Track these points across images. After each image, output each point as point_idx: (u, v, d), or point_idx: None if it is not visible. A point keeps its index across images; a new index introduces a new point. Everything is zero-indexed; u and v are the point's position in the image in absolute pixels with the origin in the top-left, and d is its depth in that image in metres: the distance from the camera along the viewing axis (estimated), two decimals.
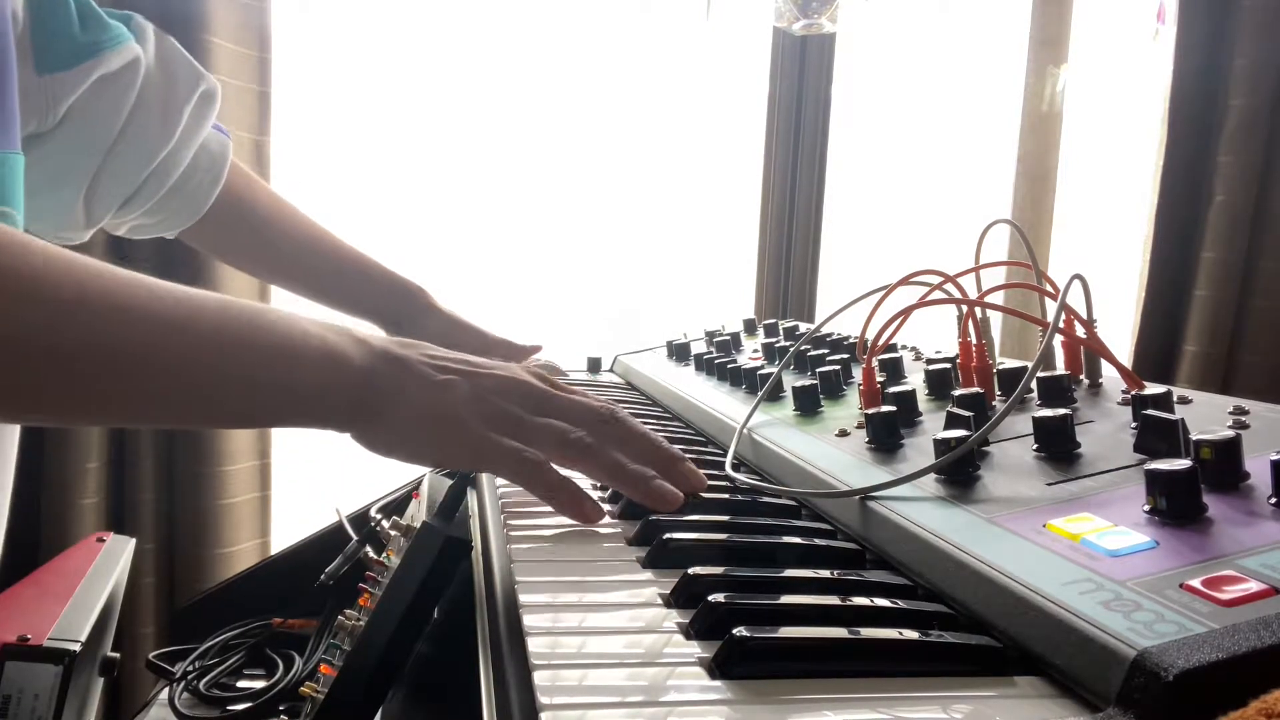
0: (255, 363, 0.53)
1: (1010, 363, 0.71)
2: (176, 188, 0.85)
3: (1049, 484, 0.51)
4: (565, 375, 1.16)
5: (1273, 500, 0.43)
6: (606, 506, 0.63)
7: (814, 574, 0.48)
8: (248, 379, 0.53)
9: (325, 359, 0.55)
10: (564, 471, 0.59)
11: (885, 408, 0.65)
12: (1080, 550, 0.42)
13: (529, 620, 0.43)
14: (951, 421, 0.60)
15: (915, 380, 0.78)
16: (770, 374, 0.85)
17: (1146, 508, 0.44)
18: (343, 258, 0.99)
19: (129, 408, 0.52)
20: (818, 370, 0.82)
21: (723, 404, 0.87)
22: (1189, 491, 0.43)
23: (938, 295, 0.76)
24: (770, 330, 1.12)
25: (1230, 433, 0.47)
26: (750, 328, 1.19)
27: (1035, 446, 0.56)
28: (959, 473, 0.54)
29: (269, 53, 1.43)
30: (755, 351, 1.04)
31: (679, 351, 1.15)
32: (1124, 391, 0.62)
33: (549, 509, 0.61)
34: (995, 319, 0.77)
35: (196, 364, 0.51)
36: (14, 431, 0.75)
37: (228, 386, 0.53)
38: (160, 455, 1.43)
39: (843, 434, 0.69)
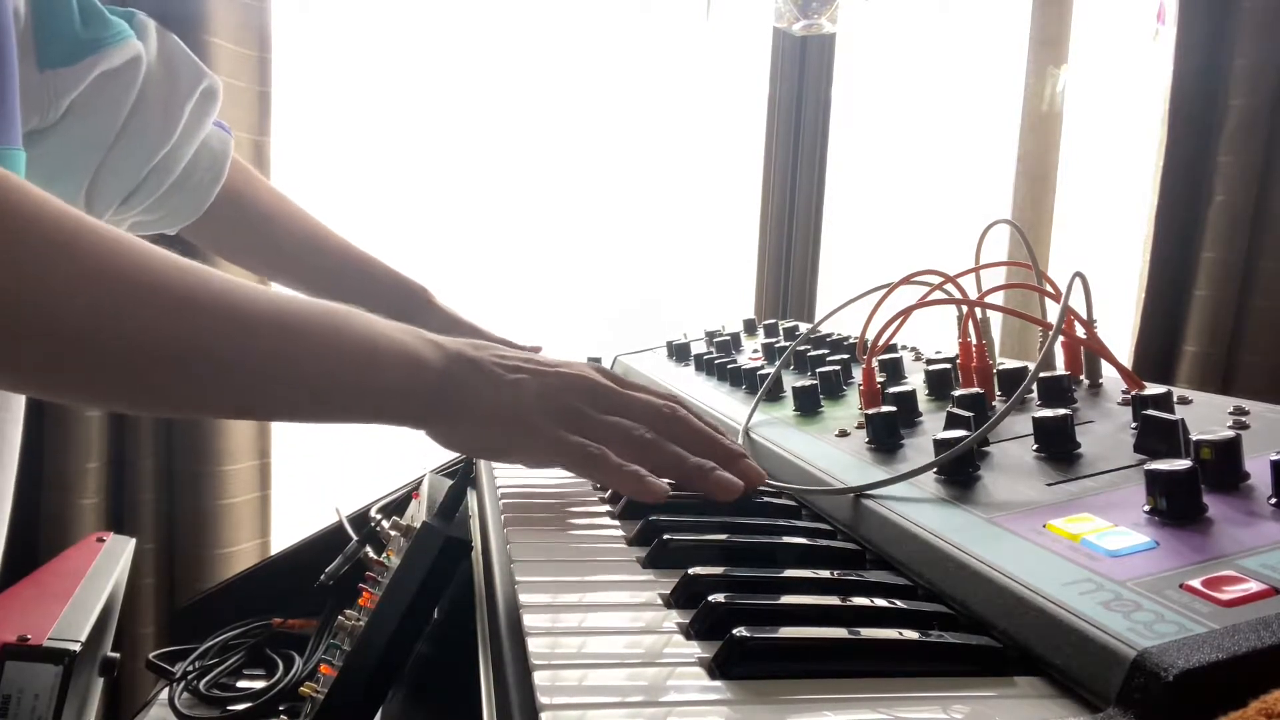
0: (341, 364, 0.55)
1: (1010, 363, 0.71)
2: (178, 184, 0.85)
3: (1049, 484, 0.51)
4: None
5: (1273, 500, 0.43)
6: (607, 507, 0.63)
7: (814, 574, 0.48)
8: (333, 379, 0.55)
9: (405, 360, 0.57)
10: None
11: (885, 408, 0.65)
12: (1080, 550, 0.42)
13: (529, 620, 0.43)
14: (952, 422, 0.60)
15: (915, 380, 0.78)
16: (770, 374, 0.85)
17: (1147, 508, 0.44)
18: (345, 255, 1.00)
19: (224, 403, 0.57)
20: (818, 370, 0.82)
21: (723, 404, 0.87)
22: (1189, 492, 0.43)
23: (938, 295, 0.76)
24: (770, 330, 1.12)
25: (1230, 433, 0.47)
26: (750, 328, 1.19)
27: (1035, 447, 0.56)
28: (959, 473, 0.54)
29: (269, 53, 1.43)
30: (755, 351, 1.04)
31: (679, 351, 1.15)
32: (1124, 392, 0.62)
33: (549, 509, 0.61)
34: (995, 319, 0.77)
35: (288, 364, 0.53)
36: (16, 433, 0.75)
37: (314, 385, 0.55)
38: (160, 455, 1.43)
39: (843, 434, 0.69)
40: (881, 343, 0.74)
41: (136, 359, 0.49)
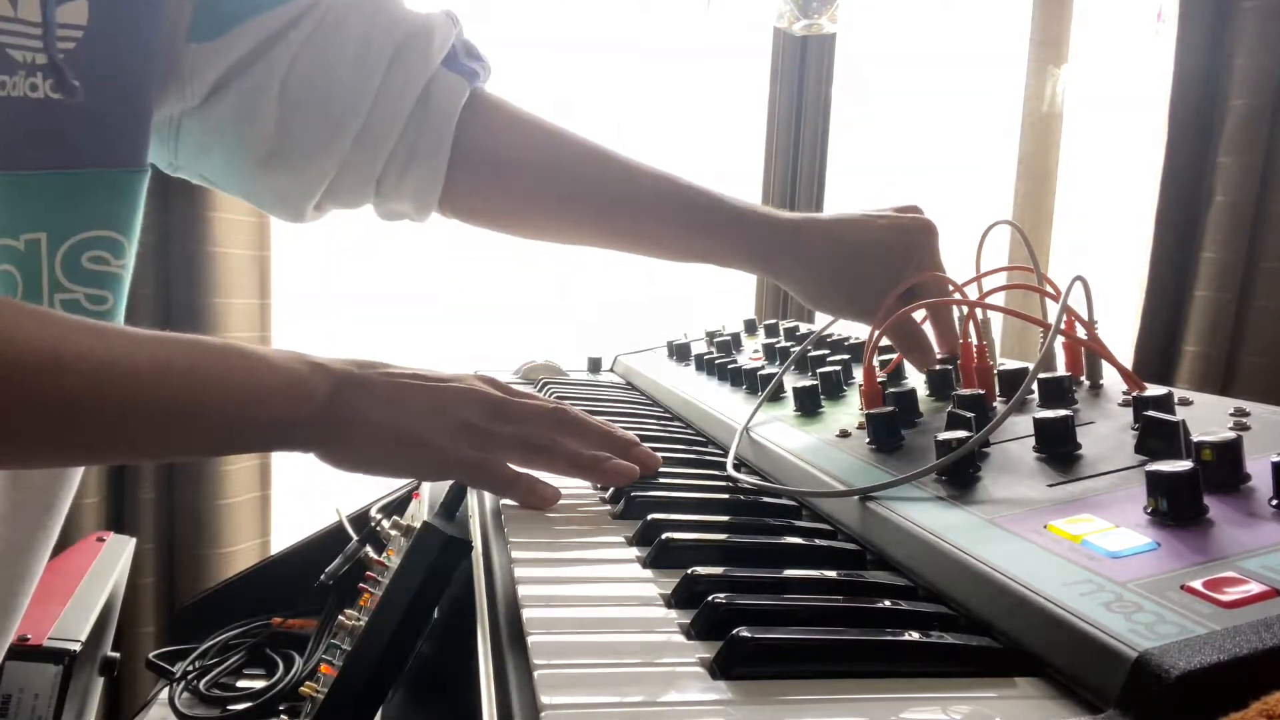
0: (225, 400, 0.55)
1: (1011, 364, 0.71)
2: (408, 158, 0.74)
3: (1050, 485, 0.51)
4: (566, 375, 1.16)
5: (1274, 502, 0.43)
6: (606, 507, 0.63)
7: (815, 574, 0.48)
8: (219, 416, 0.55)
9: (290, 390, 0.57)
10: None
11: (886, 408, 0.65)
12: (1081, 551, 0.42)
13: (529, 620, 0.43)
14: (952, 422, 0.60)
15: (916, 381, 0.77)
16: (771, 374, 0.85)
17: (1147, 509, 0.44)
18: (634, 172, 0.82)
19: (104, 452, 0.58)
20: (818, 370, 0.82)
21: (723, 404, 0.87)
22: (1190, 493, 0.43)
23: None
24: (771, 330, 1.12)
25: (1231, 434, 0.47)
26: (750, 328, 1.18)
27: (1036, 447, 0.56)
28: (960, 473, 0.54)
29: None
30: (755, 352, 1.04)
31: (679, 351, 1.15)
32: (1125, 393, 0.62)
33: (549, 510, 0.61)
34: (996, 320, 0.77)
35: (172, 408, 0.53)
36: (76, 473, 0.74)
37: (200, 424, 0.55)
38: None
39: (844, 434, 0.69)
40: (886, 343, 0.74)
41: (14, 424, 0.48)
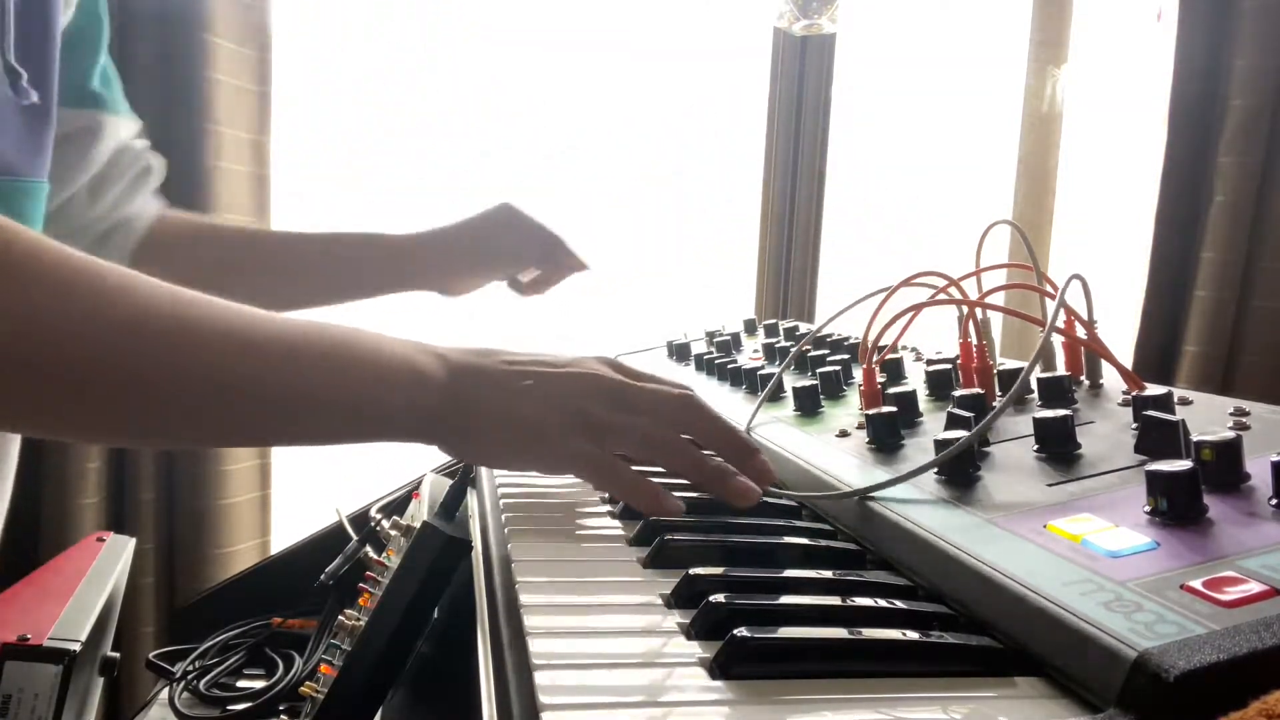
0: (347, 387, 0.55)
1: (1011, 363, 0.71)
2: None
3: (1049, 485, 0.51)
4: None
5: (1273, 501, 0.43)
6: (606, 507, 0.63)
7: (814, 574, 0.48)
8: (340, 403, 0.55)
9: (411, 378, 0.56)
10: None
11: (886, 408, 0.65)
12: (1081, 551, 0.42)
13: (529, 620, 0.43)
14: (952, 422, 0.60)
15: (916, 381, 0.78)
16: (771, 374, 0.85)
17: (1147, 509, 0.44)
18: (317, 241, 0.98)
19: (227, 433, 0.58)
20: (818, 370, 0.82)
21: (723, 404, 0.87)
22: (1190, 492, 0.43)
23: (939, 297, 0.76)
24: (770, 330, 1.12)
25: (1231, 434, 0.47)
26: (750, 328, 1.19)
27: (1036, 447, 0.56)
28: (959, 473, 0.54)
29: (269, 53, 1.43)
30: (755, 352, 1.04)
31: (679, 351, 1.15)
32: (1124, 392, 0.62)
33: (550, 509, 0.61)
34: (996, 320, 0.77)
35: (296, 391, 0.53)
36: (13, 447, 0.75)
37: (324, 410, 0.55)
38: (160, 455, 1.43)
39: (843, 434, 0.69)
40: (885, 344, 0.74)
41: (137, 396, 0.49)
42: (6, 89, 0.59)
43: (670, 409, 0.61)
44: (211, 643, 0.96)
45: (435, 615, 0.58)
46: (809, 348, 0.93)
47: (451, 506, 0.59)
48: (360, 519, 0.97)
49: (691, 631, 0.42)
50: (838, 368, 0.82)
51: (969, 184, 1.86)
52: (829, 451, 0.66)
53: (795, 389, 0.79)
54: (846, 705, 0.36)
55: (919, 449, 0.62)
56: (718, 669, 0.38)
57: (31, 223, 0.65)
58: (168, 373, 0.49)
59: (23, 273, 0.46)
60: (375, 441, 0.58)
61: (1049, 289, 0.76)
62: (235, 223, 0.97)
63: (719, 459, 0.61)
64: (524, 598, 0.46)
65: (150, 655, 0.95)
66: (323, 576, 0.90)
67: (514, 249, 1.00)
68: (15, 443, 0.76)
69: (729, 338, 1.10)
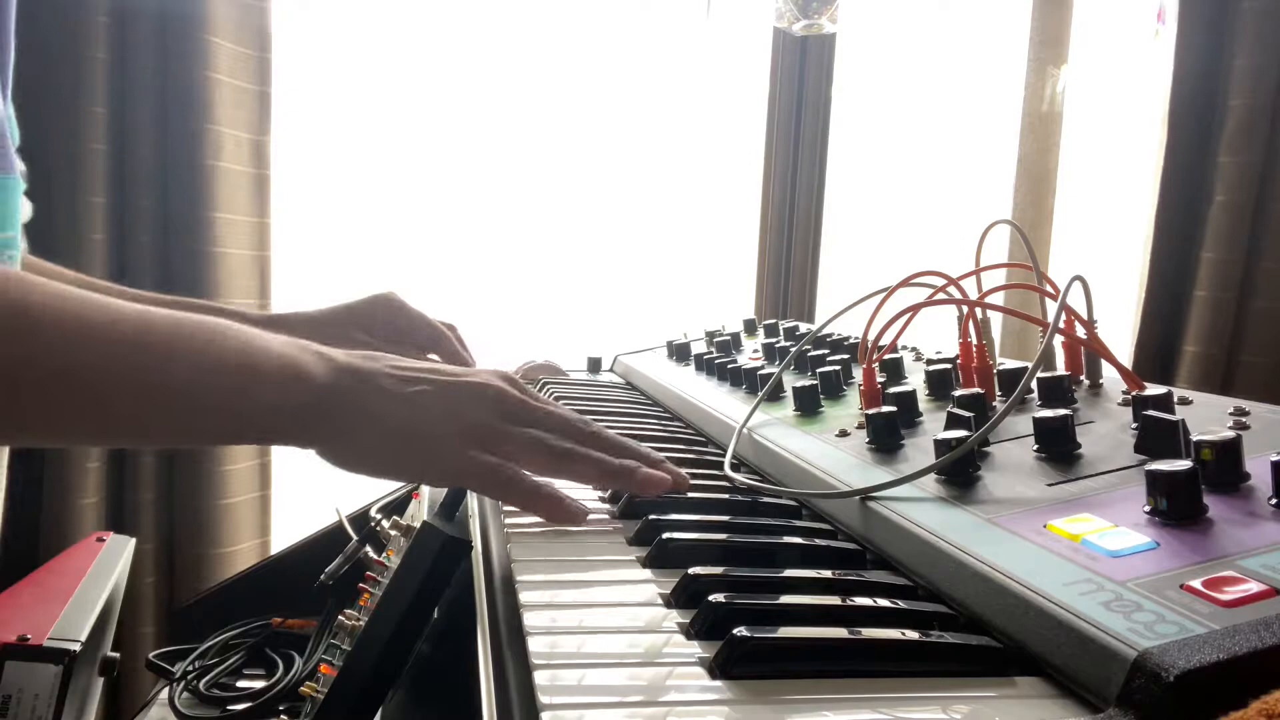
0: (212, 382, 0.51)
1: (1011, 363, 0.71)
2: None
3: (1049, 484, 0.51)
4: (566, 375, 1.16)
5: (1273, 501, 0.43)
6: (606, 506, 0.63)
7: (814, 574, 0.48)
8: (205, 399, 0.52)
9: (285, 375, 0.53)
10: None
11: (886, 408, 0.65)
12: (1081, 551, 0.42)
13: (529, 620, 0.43)
14: (952, 422, 0.60)
15: (916, 381, 0.77)
16: (770, 374, 0.85)
17: (1147, 508, 0.44)
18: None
19: (86, 430, 0.53)
20: (818, 370, 0.82)
21: (723, 404, 0.87)
22: (1189, 492, 0.43)
23: (939, 297, 0.76)
24: (770, 330, 1.12)
25: (1231, 433, 0.47)
26: (750, 328, 1.19)
27: (1036, 447, 0.56)
28: (960, 473, 0.54)
29: (269, 53, 1.43)
30: (755, 352, 1.04)
31: (679, 351, 1.15)
32: (1124, 392, 0.62)
33: None
34: (996, 320, 0.77)
35: (154, 384, 0.50)
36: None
37: (185, 406, 0.52)
38: (160, 455, 1.43)
39: (843, 434, 0.69)
40: (885, 344, 0.74)
41: None
42: None
43: (566, 424, 0.60)
44: (211, 643, 0.96)
45: (435, 615, 0.58)
46: (809, 348, 0.93)
47: (451, 506, 0.59)
48: (360, 519, 0.97)
49: (691, 631, 0.42)
50: (837, 368, 0.82)
51: (969, 184, 1.86)
52: (829, 451, 0.66)
53: (795, 389, 0.79)
54: (846, 705, 0.36)
55: (919, 449, 0.62)
56: (717, 669, 0.38)
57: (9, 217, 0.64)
58: (62, 378, 0.47)
59: None
60: (244, 443, 0.56)
61: (1049, 289, 0.76)
62: (97, 281, 0.86)
63: (623, 460, 0.59)
64: (524, 597, 0.46)
65: (150, 655, 0.95)
66: (323, 576, 0.90)
67: (393, 338, 0.89)
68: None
69: (729, 338, 1.10)
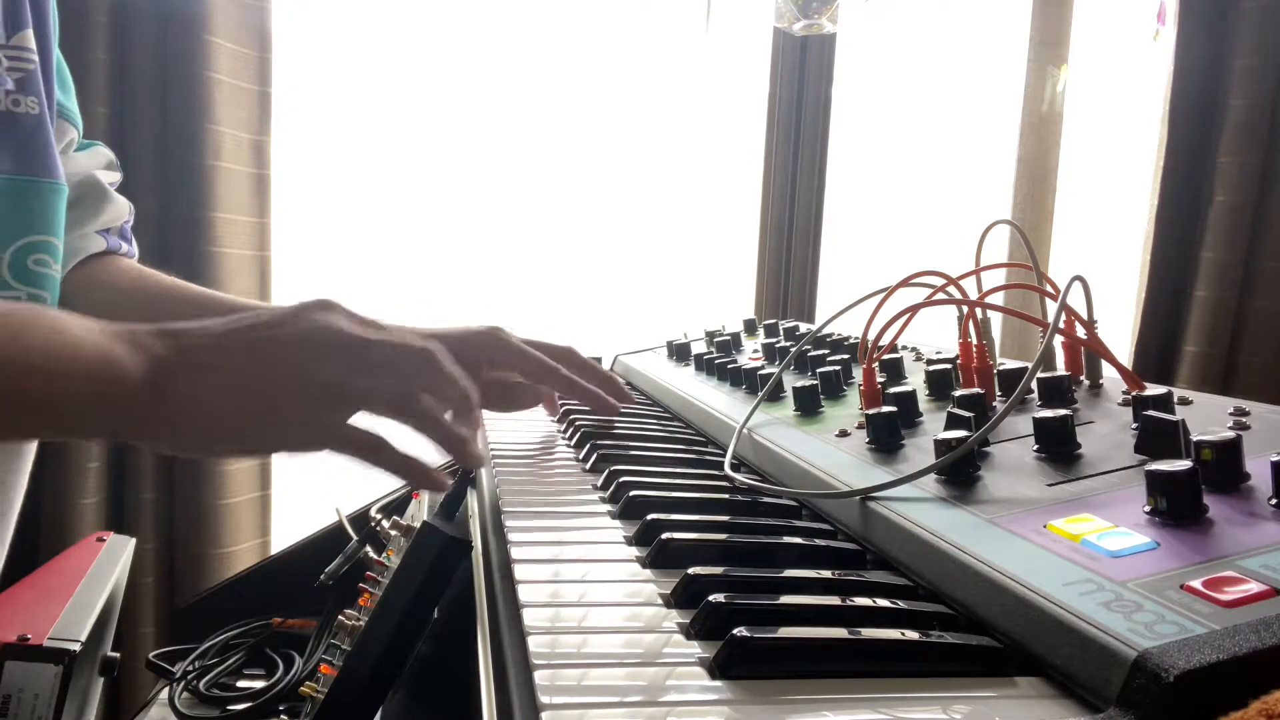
0: (19, 378, 0.48)
1: (1011, 363, 0.71)
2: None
3: (1050, 485, 0.51)
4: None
5: (1273, 501, 0.43)
6: (606, 506, 0.63)
7: (814, 574, 0.48)
8: (14, 395, 0.48)
9: (98, 368, 0.49)
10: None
11: (886, 408, 0.65)
12: (1081, 551, 0.42)
13: (529, 619, 0.43)
14: (952, 422, 0.60)
15: (916, 381, 0.77)
16: (770, 374, 0.85)
17: (1147, 509, 0.44)
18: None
19: None
20: (818, 370, 0.82)
21: (723, 404, 0.87)
22: (1190, 492, 0.43)
23: (939, 296, 0.76)
24: (770, 330, 1.12)
25: (1231, 434, 0.47)
26: (750, 328, 1.19)
27: (1036, 447, 0.56)
28: (960, 473, 0.54)
29: (269, 53, 1.43)
30: (755, 352, 1.04)
31: (679, 351, 1.15)
32: (1124, 392, 0.62)
33: (548, 509, 0.61)
34: (996, 320, 0.77)
35: None
36: (30, 447, 0.75)
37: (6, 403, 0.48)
38: (160, 455, 1.43)
39: (843, 434, 0.69)
40: (885, 344, 0.74)
41: None
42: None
43: (413, 364, 0.55)
44: (211, 643, 0.96)
45: (435, 615, 0.58)
46: (809, 348, 0.93)
47: (451, 506, 0.59)
48: (360, 519, 0.97)
49: (691, 631, 0.42)
50: (837, 368, 0.82)
51: (969, 184, 1.86)
52: (829, 451, 0.66)
53: (795, 389, 0.79)
54: (846, 705, 0.36)
55: (919, 449, 0.62)
56: (718, 669, 0.38)
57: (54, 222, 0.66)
58: None
59: None
60: (75, 438, 0.54)
61: (1049, 289, 0.76)
62: (168, 276, 0.85)
63: (459, 431, 0.57)
64: (524, 597, 0.46)
65: (150, 655, 0.95)
66: (323, 576, 0.90)
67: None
68: (29, 458, 0.76)
69: (729, 338, 1.10)
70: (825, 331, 0.98)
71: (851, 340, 0.95)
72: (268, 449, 0.55)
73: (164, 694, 0.90)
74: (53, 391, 0.48)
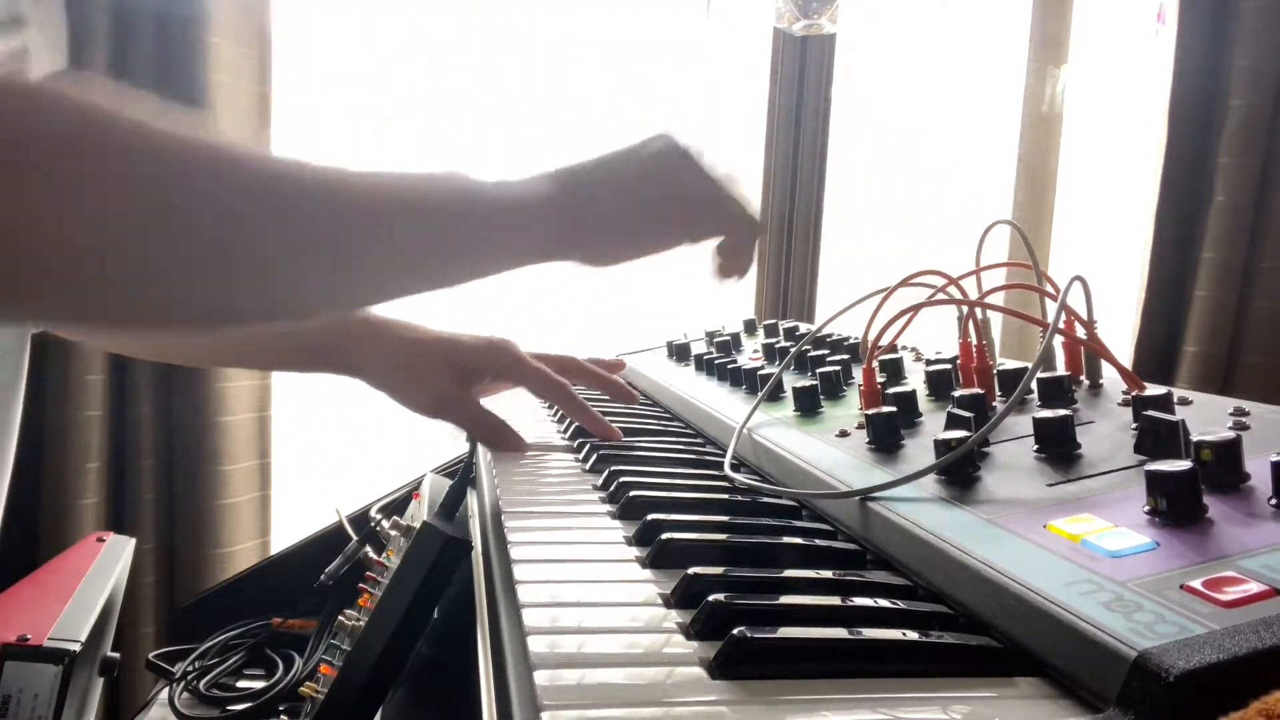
0: (488, 216, 0.58)
1: (1010, 363, 0.71)
2: None
3: (1049, 485, 0.51)
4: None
5: (1273, 501, 0.43)
6: (606, 506, 0.63)
7: (814, 574, 0.48)
8: (483, 232, 0.58)
9: (528, 198, 0.60)
10: None
11: (886, 408, 0.65)
12: (1081, 551, 0.42)
13: (529, 620, 0.43)
14: (952, 422, 0.60)
15: (916, 381, 0.78)
16: (770, 374, 0.85)
17: (1147, 509, 0.44)
18: None
19: (395, 278, 0.56)
20: (818, 370, 0.82)
21: (723, 404, 0.87)
22: (1189, 493, 0.43)
23: (939, 296, 0.76)
24: (770, 330, 1.12)
25: (1230, 434, 0.47)
26: (750, 328, 1.19)
27: (1036, 447, 0.56)
28: (959, 473, 0.54)
29: (269, 53, 1.43)
30: (755, 352, 1.04)
31: (679, 351, 1.15)
32: (1124, 392, 0.62)
33: (548, 509, 0.61)
34: (996, 320, 0.77)
35: (440, 219, 0.56)
36: (12, 433, 0.75)
37: (465, 232, 0.57)
38: (160, 455, 1.43)
39: (843, 434, 0.69)
40: (885, 343, 0.74)
41: (281, 260, 0.47)
42: None
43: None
44: (211, 643, 0.96)
45: (435, 615, 0.58)
46: (809, 348, 0.93)
47: (451, 506, 0.59)
48: (360, 519, 0.97)
49: (691, 631, 0.42)
50: (837, 368, 0.82)
51: (969, 184, 1.86)
52: (829, 451, 0.66)
53: (795, 389, 0.79)
54: (846, 705, 0.36)
55: (919, 449, 0.62)
56: (718, 669, 0.38)
57: None
58: (333, 228, 0.49)
59: (112, 150, 0.42)
60: (497, 270, 0.61)
61: (1049, 289, 0.76)
62: None
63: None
64: (524, 597, 0.46)
65: (150, 655, 0.95)
66: (323, 576, 0.90)
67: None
68: (12, 443, 0.76)
69: (729, 338, 1.10)
70: (825, 331, 0.98)
71: (851, 340, 0.95)
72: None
73: (164, 694, 0.89)
74: (507, 222, 0.59)
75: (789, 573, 0.49)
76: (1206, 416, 0.56)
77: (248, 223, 0.46)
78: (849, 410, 0.75)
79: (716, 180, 0.65)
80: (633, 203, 0.63)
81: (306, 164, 0.50)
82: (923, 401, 0.71)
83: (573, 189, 0.62)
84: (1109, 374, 0.68)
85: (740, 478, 0.65)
